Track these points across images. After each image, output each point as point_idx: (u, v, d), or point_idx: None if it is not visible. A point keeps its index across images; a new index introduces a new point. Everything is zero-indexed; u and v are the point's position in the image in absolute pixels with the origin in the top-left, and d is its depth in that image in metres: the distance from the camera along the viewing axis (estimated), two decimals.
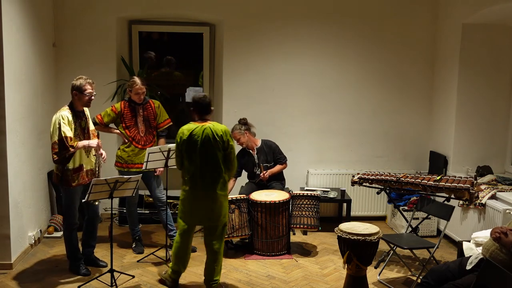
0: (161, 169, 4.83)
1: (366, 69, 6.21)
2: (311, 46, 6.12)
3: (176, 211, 5.99)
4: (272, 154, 5.50)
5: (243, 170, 5.59)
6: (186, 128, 3.99)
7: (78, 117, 4.32)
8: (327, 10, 6.08)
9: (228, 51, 6.06)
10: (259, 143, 5.51)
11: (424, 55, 6.22)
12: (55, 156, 4.15)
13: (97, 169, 4.41)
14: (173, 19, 6.35)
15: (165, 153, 4.56)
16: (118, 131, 4.93)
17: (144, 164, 4.50)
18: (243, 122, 5.43)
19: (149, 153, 4.46)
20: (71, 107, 4.29)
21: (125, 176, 4.12)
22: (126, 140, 4.89)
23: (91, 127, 4.50)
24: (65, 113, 4.20)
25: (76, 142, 4.20)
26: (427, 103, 6.29)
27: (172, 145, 4.57)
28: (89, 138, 4.38)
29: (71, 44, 5.85)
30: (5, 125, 4.40)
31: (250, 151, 5.48)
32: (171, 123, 5.13)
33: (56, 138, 4.13)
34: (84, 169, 4.35)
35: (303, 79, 6.17)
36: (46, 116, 5.44)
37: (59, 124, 4.13)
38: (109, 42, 5.91)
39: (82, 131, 4.35)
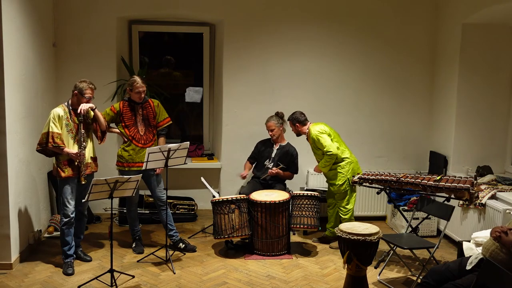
0: (161, 167, 4.84)
1: (366, 69, 6.21)
2: (311, 46, 6.12)
3: (176, 211, 6.00)
4: (289, 159, 5.58)
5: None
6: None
7: (75, 115, 4.55)
8: (327, 10, 6.08)
9: (228, 51, 6.06)
10: (285, 143, 5.65)
11: (424, 55, 6.22)
12: (38, 146, 4.48)
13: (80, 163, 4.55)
14: (173, 19, 6.35)
15: (165, 153, 4.56)
16: (117, 130, 4.94)
17: (144, 164, 4.50)
18: (280, 116, 5.61)
19: (149, 153, 4.46)
20: (69, 105, 4.55)
21: (125, 176, 4.13)
22: (126, 139, 4.90)
23: (102, 121, 4.71)
24: (57, 110, 4.49)
25: (60, 140, 4.41)
26: (427, 103, 6.29)
27: (172, 145, 4.58)
28: (82, 134, 4.55)
29: (71, 44, 5.85)
30: (5, 125, 4.41)
31: (274, 143, 5.62)
32: (171, 122, 5.14)
33: (43, 131, 4.46)
34: (75, 162, 4.52)
35: (303, 79, 6.17)
36: (46, 116, 5.41)
37: (50, 119, 4.43)
38: (109, 42, 5.91)
39: (75, 126, 4.54)
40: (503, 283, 2.98)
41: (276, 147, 5.62)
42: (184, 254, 5.00)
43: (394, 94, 6.27)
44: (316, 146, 5.13)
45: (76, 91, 4.51)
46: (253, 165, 5.80)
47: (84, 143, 4.55)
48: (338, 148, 5.08)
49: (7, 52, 4.41)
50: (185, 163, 4.91)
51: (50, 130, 4.39)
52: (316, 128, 5.10)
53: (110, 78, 5.92)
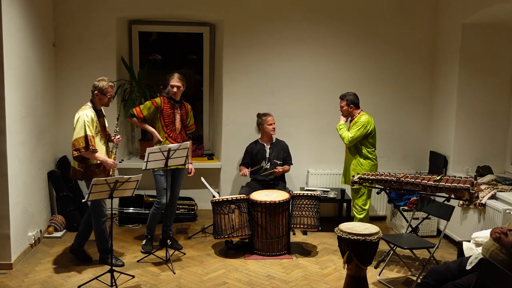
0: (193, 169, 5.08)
1: (366, 69, 6.21)
2: (311, 46, 6.12)
3: (176, 211, 5.98)
4: (283, 153, 5.65)
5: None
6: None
7: (99, 115, 4.53)
8: (327, 10, 6.07)
9: (228, 51, 6.06)
10: (274, 140, 5.71)
11: (424, 55, 6.22)
12: (75, 152, 4.33)
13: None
14: (173, 19, 6.35)
15: (165, 153, 4.56)
16: (152, 129, 4.97)
17: (144, 164, 4.50)
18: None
19: (149, 153, 4.46)
20: (94, 106, 4.51)
21: (125, 176, 4.13)
22: (161, 139, 4.93)
23: (106, 124, 4.71)
24: (89, 112, 4.40)
25: (94, 143, 4.38)
26: (427, 103, 6.29)
27: (172, 145, 4.59)
28: (105, 136, 4.59)
29: (71, 44, 5.85)
30: (5, 125, 4.40)
31: (264, 144, 5.63)
32: (194, 129, 5.24)
33: (78, 136, 4.32)
34: (107, 171, 4.54)
35: (303, 79, 6.17)
36: (46, 116, 5.44)
37: (84, 122, 4.32)
38: (109, 42, 5.91)
39: (102, 129, 4.56)
40: (503, 283, 2.98)
41: (268, 147, 5.63)
42: (184, 254, 5.01)
43: (394, 94, 6.27)
44: (352, 125, 5.23)
45: (96, 91, 4.46)
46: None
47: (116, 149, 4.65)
48: (368, 146, 5.21)
49: (7, 52, 4.41)
50: (185, 163, 4.92)
51: (87, 133, 4.32)
52: (363, 118, 5.16)
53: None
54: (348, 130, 5.24)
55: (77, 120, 4.36)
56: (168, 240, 5.05)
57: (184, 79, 4.96)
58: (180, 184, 5.13)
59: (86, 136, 4.30)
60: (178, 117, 4.97)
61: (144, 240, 5.10)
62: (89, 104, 4.50)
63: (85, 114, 4.36)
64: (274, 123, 5.60)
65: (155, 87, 6.23)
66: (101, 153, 4.47)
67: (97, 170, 4.47)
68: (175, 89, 4.90)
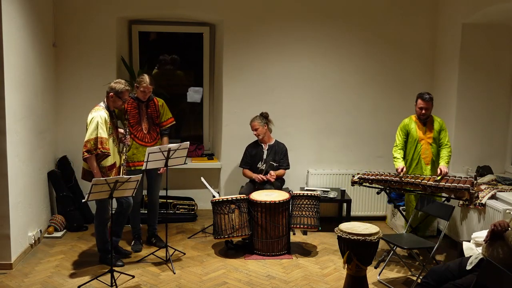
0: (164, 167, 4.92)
1: (366, 69, 6.21)
2: (311, 46, 6.12)
3: (176, 211, 6.00)
4: (280, 156, 5.61)
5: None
6: None
7: (111, 117, 4.53)
8: (327, 10, 6.08)
9: (228, 51, 6.06)
10: (272, 141, 5.64)
11: (424, 55, 6.22)
12: (86, 153, 4.32)
13: (123, 164, 4.64)
14: (173, 19, 6.35)
15: (165, 153, 4.57)
16: (121, 130, 4.97)
17: (144, 164, 4.51)
18: (265, 116, 5.62)
19: (149, 153, 4.47)
20: (107, 107, 4.50)
21: (125, 176, 4.13)
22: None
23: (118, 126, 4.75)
24: (103, 114, 4.40)
25: (107, 145, 4.36)
26: None
27: (172, 145, 4.59)
28: (117, 137, 4.62)
29: (71, 44, 5.85)
30: (5, 125, 4.40)
31: (262, 145, 5.60)
32: (174, 122, 5.17)
33: (90, 137, 4.31)
34: (117, 166, 4.57)
35: (303, 79, 6.17)
36: (46, 116, 5.44)
37: (97, 124, 4.30)
38: (109, 42, 5.91)
39: (114, 130, 4.57)
40: (502, 283, 2.98)
41: (265, 148, 5.61)
42: (184, 254, 5.01)
43: (394, 93, 6.26)
44: (439, 130, 4.99)
45: (112, 93, 4.45)
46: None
47: (126, 148, 4.66)
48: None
49: (7, 52, 4.41)
50: (185, 163, 4.92)
51: (99, 135, 4.31)
52: (440, 119, 5.02)
53: (110, 78, 5.88)
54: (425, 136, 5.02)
55: (91, 121, 4.36)
56: (153, 239, 5.09)
57: (153, 82, 4.91)
58: (158, 183, 5.07)
59: (97, 138, 4.30)
60: (144, 116, 4.94)
61: (133, 241, 5.14)
62: (102, 104, 4.51)
63: (99, 115, 4.36)
64: (257, 129, 5.49)
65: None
66: (112, 155, 4.47)
67: (108, 171, 4.46)
68: (147, 95, 4.89)
